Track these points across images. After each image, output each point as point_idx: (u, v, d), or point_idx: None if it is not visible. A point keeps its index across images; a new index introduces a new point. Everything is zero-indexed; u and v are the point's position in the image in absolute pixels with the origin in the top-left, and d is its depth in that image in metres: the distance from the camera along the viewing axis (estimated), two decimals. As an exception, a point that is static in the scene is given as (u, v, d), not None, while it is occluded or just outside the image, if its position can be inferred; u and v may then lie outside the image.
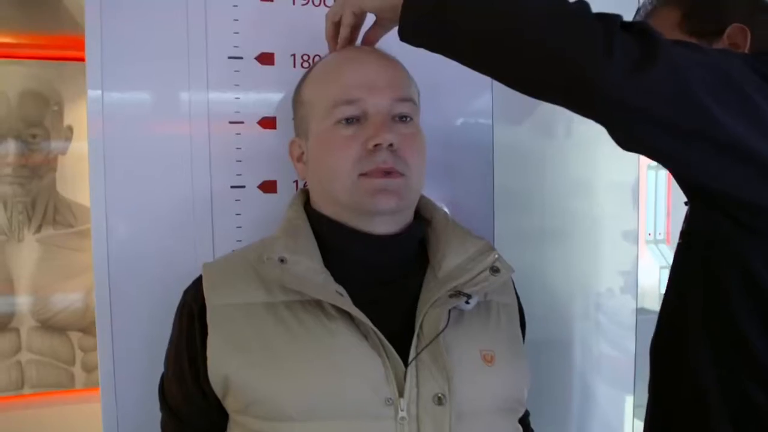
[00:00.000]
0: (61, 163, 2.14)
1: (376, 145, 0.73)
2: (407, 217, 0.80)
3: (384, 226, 0.77)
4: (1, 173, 2.08)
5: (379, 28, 0.83)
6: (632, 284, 1.30)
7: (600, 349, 1.29)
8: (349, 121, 0.75)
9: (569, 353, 1.27)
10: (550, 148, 1.24)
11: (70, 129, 2.14)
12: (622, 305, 1.29)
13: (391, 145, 0.73)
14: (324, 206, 0.79)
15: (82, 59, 2.23)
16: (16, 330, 2.10)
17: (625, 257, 1.29)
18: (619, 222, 1.29)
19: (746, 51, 0.86)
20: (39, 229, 2.12)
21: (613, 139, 0.74)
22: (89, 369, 2.16)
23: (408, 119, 0.77)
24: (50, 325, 2.13)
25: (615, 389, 1.30)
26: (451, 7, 0.70)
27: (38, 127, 2.12)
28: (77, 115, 2.14)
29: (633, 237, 1.30)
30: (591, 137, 1.27)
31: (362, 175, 0.73)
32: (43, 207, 2.14)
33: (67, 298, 2.14)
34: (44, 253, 2.13)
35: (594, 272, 1.28)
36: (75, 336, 2.15)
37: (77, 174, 2.14)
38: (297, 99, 0.84)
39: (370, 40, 0.84)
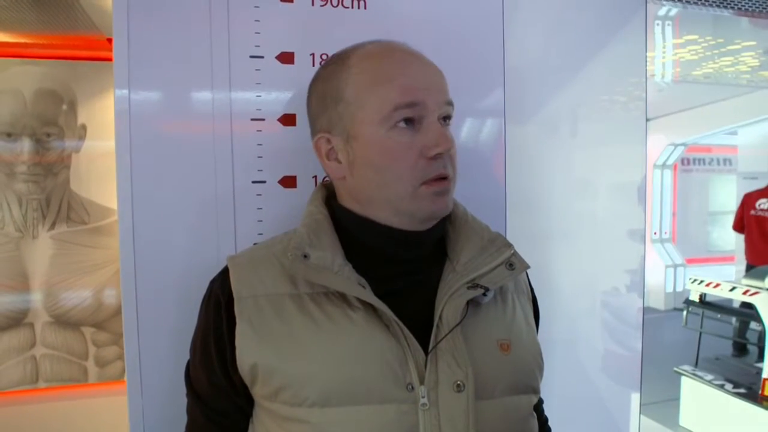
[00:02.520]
0: (75, 161, 2.17)
1: (438, 154, 0.74)
2: None
3: (424, 225, 0.79)
4: (16, 171, 2.12)
5: None
6: (639, 283, 1.31)
7: (606, 347, 1.31)
8: (407, 122, 0.75)
9: (576, 351, 1.29)
10: (557, 148, 1.26)
11: (83, 127, 2.18)
12: (628, 303, 1.31)
13: (448, 149, 0.75)
14: (358, 206, 0.80)
15: (96, 59, 2.26)
16: (31, 325, 2.14)
17: (632, 256, 1.31)
18: (625, 221, 1.31)
19: None
20: (53, 226, 2.16)
21: None
22: (102, 364, 2.20)
23: (449, 121, 0.79)
24: (64, 321, 2.17)
25: (621, 387, 1.32)
26: None
27: (52, 125, 2.15)
28: (91, 114, 2.17)
29: (639, 236, 1.31)
30: (598, 137, 1.29)
31: (424, 183, 0.75)
32: (57, 204, 2.17)
33: (81, 294, 2.18)
34: (58, 250, 2.16)
35: (601, 271, 1.30)
36: (88, 331, 2.18)
37: (91, 172, 2.18)
38: (331, 95, 0.79)
39: None
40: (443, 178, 0.76)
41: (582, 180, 1.29)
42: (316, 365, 0.71)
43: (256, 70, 0.97)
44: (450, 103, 0.78)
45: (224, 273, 0.80)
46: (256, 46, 0.97)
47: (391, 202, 0.77)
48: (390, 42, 0.81)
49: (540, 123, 1.22)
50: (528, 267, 0.82)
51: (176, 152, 0.95)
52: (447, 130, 0.77)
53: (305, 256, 0.74)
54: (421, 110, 0.75)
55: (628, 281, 1.32)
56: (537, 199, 1.23)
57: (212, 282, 0.81)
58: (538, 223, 1.24)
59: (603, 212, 1.30)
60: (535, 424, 0.81)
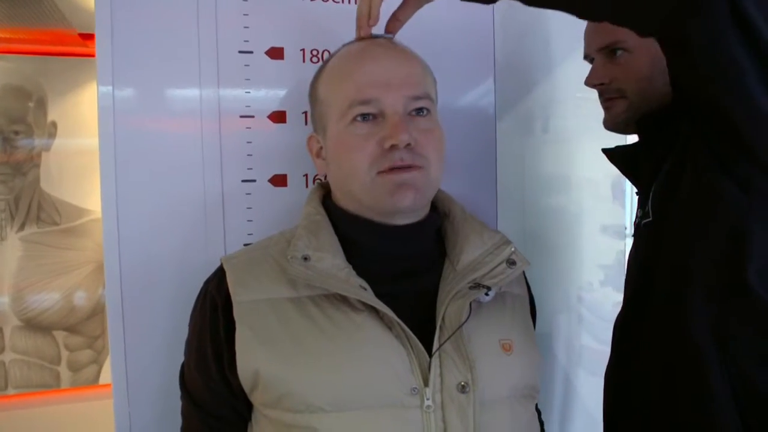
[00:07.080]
0: (45, 159, 2.10)
1: (392, 146, 0.73)
2: (425, 210, 0.81)
3: (403, 219, 0.78)
4: (-18, 171, 2.05)
5: (411, 6, 0.79)
6: (615, 277, 1.32)
7: (582, 342, 1.31)
8: (365, 117, 0.75)
9: (553, 346, 1.29)
10: (529, 145, 1.26)
11: (54, 125, 2.11)
12: (604, 298, 1.32)
13: (408, 144, 0.73)
14: (345, 202, 0.80)
15: (67, 54, 2.18)
16: None
17: (609, 250, 1.32)
18: (601, 216, 1.32)
19: None
20: (22, 227, 2.09)
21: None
22: (75, 368, 2.14)
23: (425, 113, 0.77)
24: (34, 325, 2.10)
25: (597, 380, 1.33)
26: None
27: (21, 123, 2.08)
28: (62, 111, 2.11)
29: (615, 231, 1.32)
30: (575, 133, 1.30)
31: (380, 173, 0.74)
32: (27, 205, 2.10)
33: (52, 297, 2.11)
34: (27, 252, 2.09)
35: (578, 266, 1.31)
36: (60, 335, 2.12)
37: (63, 171, 2.12)
38: (313, 95, 0.82)
39: (398, 18, 0.81)
40: (400, 168, 0.73)
41: (556, 176, 1.29)
42: (319, 370, 0.70)
43: (245, 65, 0.95)
44: (418, 97, 0.76)
45: (220, 274, 0.77)
46: (245, 41, 0.95)
47: (354, 195, 0.77)
48: (369, 39, 0.81)
49: (512, 123, 1.21)
50: (528, 264, 0.81)
51: (163, 151, 0.92)
52: (406, 123, 0.74)
53: (305, 259, 0.73)
54: (378, 106, 0.74)
55: (602, 276, 1.32)
56: (511, 196, 1.21)
57: (207, 282, 0.79)
58: (524, 221, 1.23)
59: (578, 208, 1.30)
60: (537, 422, 0.81)
